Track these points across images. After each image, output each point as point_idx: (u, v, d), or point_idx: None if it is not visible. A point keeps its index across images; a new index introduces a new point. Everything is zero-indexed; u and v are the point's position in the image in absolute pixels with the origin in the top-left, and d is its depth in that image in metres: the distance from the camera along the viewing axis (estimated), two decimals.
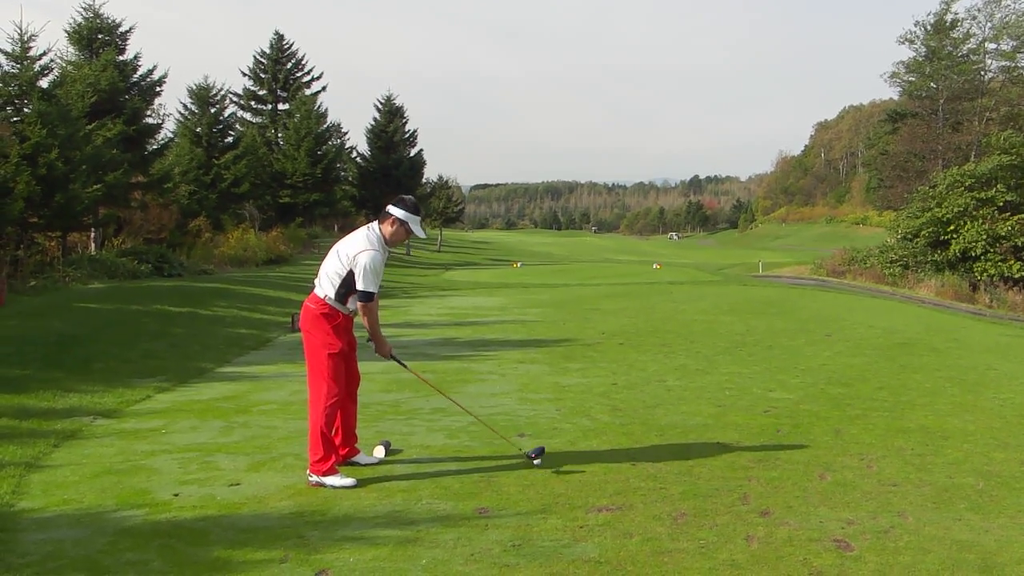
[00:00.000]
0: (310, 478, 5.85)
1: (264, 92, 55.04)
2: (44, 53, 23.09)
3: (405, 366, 6.67)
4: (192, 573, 4.32)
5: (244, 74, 55.15)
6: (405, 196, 6.22)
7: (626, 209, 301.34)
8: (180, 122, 41.42)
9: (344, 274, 5.89)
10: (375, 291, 5.91)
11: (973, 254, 39.64)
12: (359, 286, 5.85)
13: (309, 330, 6.00)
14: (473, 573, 4.33)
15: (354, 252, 5.87)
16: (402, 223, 6.01)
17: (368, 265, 5.81)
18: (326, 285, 5.97)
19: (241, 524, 5.05)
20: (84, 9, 30.52)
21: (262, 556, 4.53)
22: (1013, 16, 52.60)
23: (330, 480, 5.79)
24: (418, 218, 6.09)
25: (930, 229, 41.53)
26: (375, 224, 6.06)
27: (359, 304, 5.91)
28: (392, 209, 6.04)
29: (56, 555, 4.53)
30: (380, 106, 61.42)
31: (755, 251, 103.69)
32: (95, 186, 23.50)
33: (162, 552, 4.58)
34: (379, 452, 6.56)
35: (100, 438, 7.20)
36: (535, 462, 6.30)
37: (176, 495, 5.59)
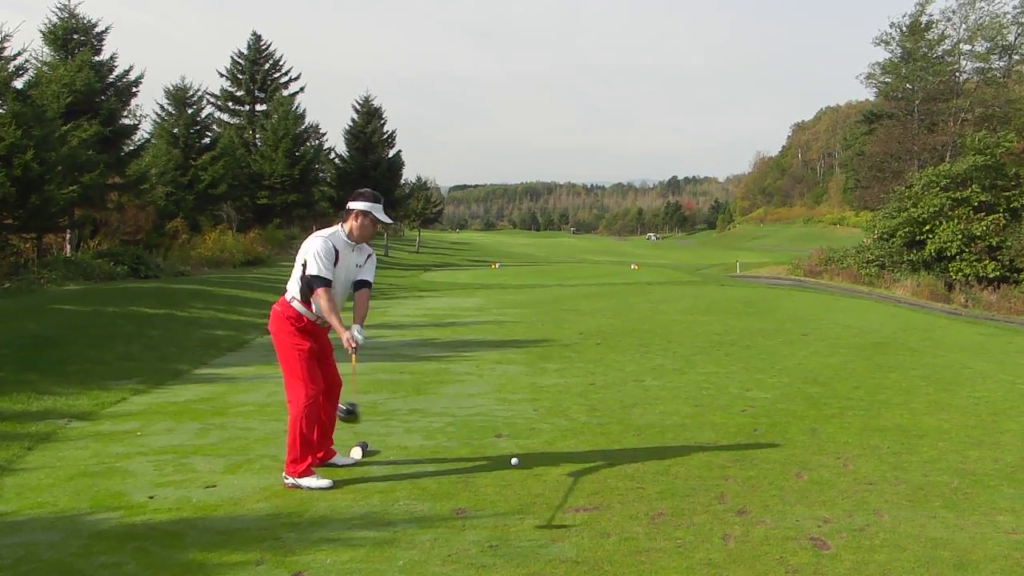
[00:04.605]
0: (285, 479, 5.82)
1: (241, 93, 54.71)
2: (19, 53, 22.81)
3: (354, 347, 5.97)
4: None
5: (221, 75, 54.82)
6: (362, 189, 6.19)
7: (604, 210, 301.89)
8: (157, 123, 41.06)
9: (301, 271, 5.88)
10: (327, 276, 5.77)
11: (948, 254, 40.01)
12: (309, 271, 5.79)
13: (275, 332, 5.97)
14: (450, 574, 4.32)
15: (305, 248, 5.88)
16: (364, 214, 5.96)
17: (314, 251, 5.79)
18: (292, 286, 5.95)
19: (217, 526, 5.02)
20: (59, 9, 30.23)
21: (238, 558, 4.51)
22: (987, 18, 53.11)
23: (306, 482, 5.76)
24: (379, 205, 6.02)
25: (906, 229, 41.90)
26: (338, 226, 6.03)
27: (313, 291, 5.82)
28: (352, 204, 6.00)
29: (29, 558, 4.49)
30: (358, 107, 61.18)
31: (733, 251, 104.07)
32: (71, 187, 23.26)
33: (137, 555, 4.55)
34: (356, 453, 6.54)
35: (75, 440, 7.15)
36: (513, 461, 6.30)
37: (151, 497, 5.55)
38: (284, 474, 5.85)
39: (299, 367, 5.86)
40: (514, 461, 6.33)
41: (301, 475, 5.78)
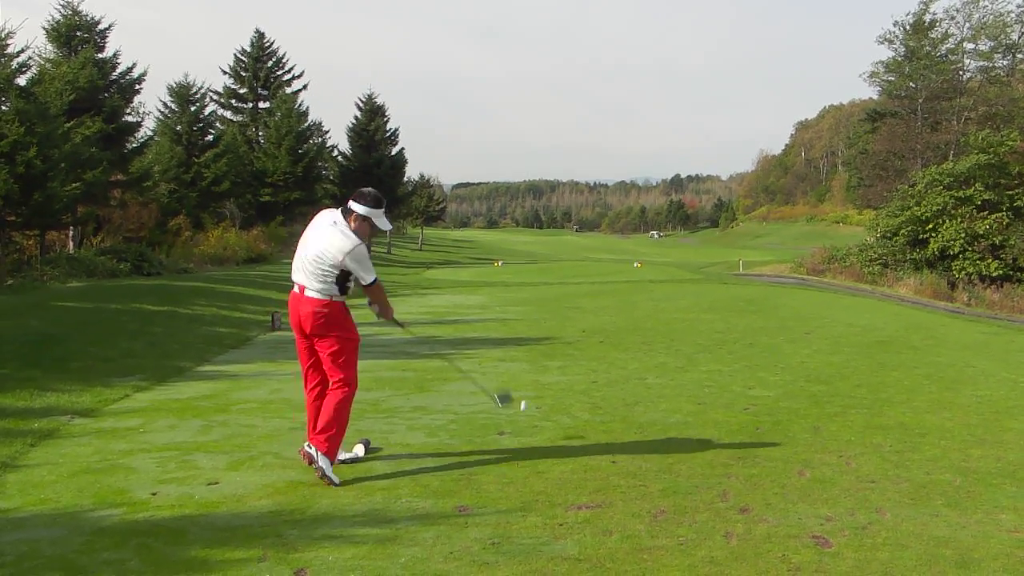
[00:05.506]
0: (315, 457, 5.76)
1: (245, 90, 54.74)
2: (22, 50, 22.91)
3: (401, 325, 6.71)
4: (169, 572, 4.29)
5: (225, 72, 54.86)
6: (365, 190, 6.00)
7: (607, 208, 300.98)
8: (160, 120, 41.12)
9: (336, 274, 5.76)
10: (375, 276, 5.95)
11: (951, 252, 39.97)
12: (365, 279, 5.86)
13: (337, 324, 5.91)
14: (452, 571, 4.32)
15: (335, 254, 5.72)
16: (363, 218, 5.86)
17: (362, 257, 5.80)
18: (322, 286, 5.80)
19: (219, 523, 5.02)
20: (63, 6, 30.31)
21: (240, 555, 4.51)
22: (991, 17, 53.05)
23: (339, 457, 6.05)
24: (381, 211, 5.93)
25: (909, 228, 41.86)
26: (340, 218, 5.88)
27: (370, 287, 5.98)
28: (354, 205, 5.86)
29: (32, 555, 4.49)
30: (361, 104, 61.14)
31: (736, 250, 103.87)
32: (74, 184, 23.31)
33: (139, 551, 4.55)
34: (358, 450, 6.53)
35: (77, 437, 7.14)
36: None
37: (154, 494, 5.55)
38: (310, 445, 5.83)
39: (356, 355, 6.04)
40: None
41: (332, 452, 5.86)
